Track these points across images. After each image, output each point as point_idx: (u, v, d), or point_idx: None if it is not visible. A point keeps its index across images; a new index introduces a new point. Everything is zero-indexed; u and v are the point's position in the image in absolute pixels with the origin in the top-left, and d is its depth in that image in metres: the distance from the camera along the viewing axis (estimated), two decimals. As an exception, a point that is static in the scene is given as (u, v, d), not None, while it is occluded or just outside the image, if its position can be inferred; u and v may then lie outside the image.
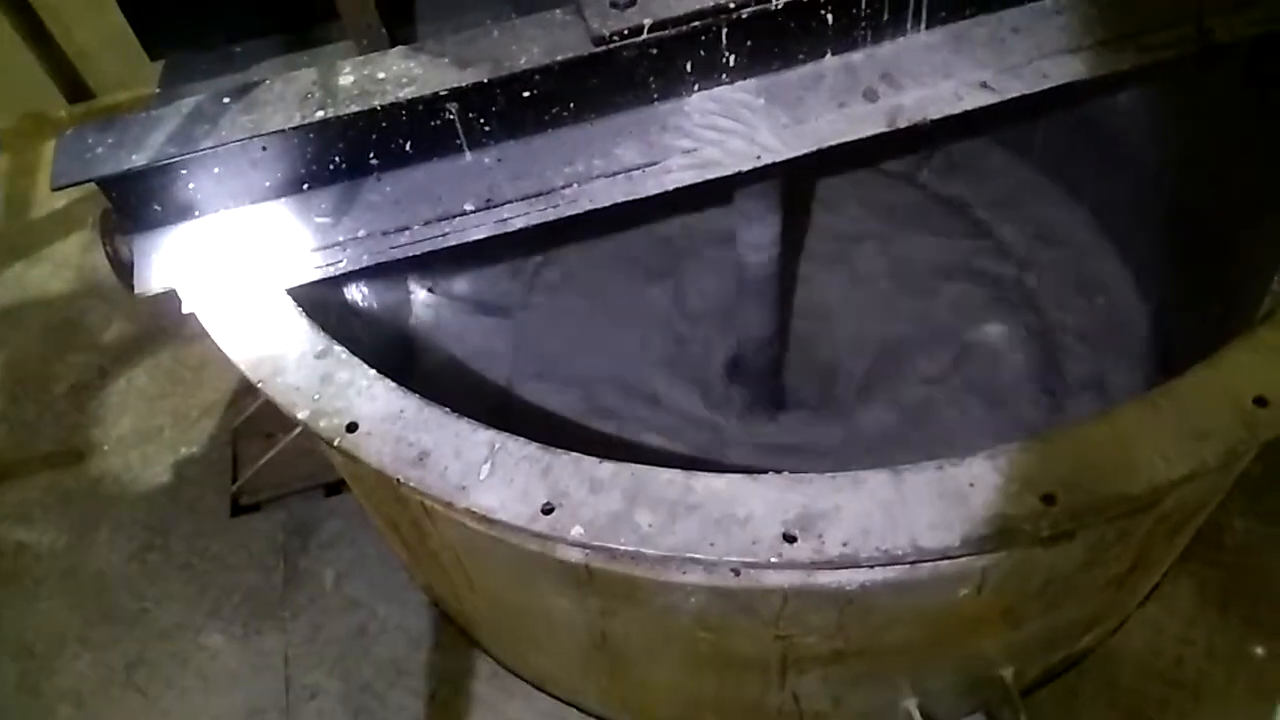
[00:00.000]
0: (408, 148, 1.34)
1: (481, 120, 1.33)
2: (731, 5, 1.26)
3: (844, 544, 1.04)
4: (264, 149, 1.30)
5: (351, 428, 1.19)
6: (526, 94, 1.31)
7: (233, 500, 2.24)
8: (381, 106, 1.28)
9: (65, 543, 2.22)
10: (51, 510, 2.28)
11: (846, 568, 1.09)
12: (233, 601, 2.09)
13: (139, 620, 2.08)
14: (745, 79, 1.37)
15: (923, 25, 1.38)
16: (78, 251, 2.82)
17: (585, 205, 1.33)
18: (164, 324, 2.56)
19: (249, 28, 1.68)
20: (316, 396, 1.22)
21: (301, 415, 1.21)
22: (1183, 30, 1.39)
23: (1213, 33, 1.39)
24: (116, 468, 2.34)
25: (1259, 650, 1.83)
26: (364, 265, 1.33)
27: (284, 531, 2.18)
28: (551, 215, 1.33)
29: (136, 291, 1.33)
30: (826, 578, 1.14)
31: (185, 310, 1.34)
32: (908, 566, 1.12)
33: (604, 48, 1.27)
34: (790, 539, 1.05)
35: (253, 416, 2.31)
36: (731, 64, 1.34)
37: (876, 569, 1.12)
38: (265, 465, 2.21)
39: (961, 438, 1.93)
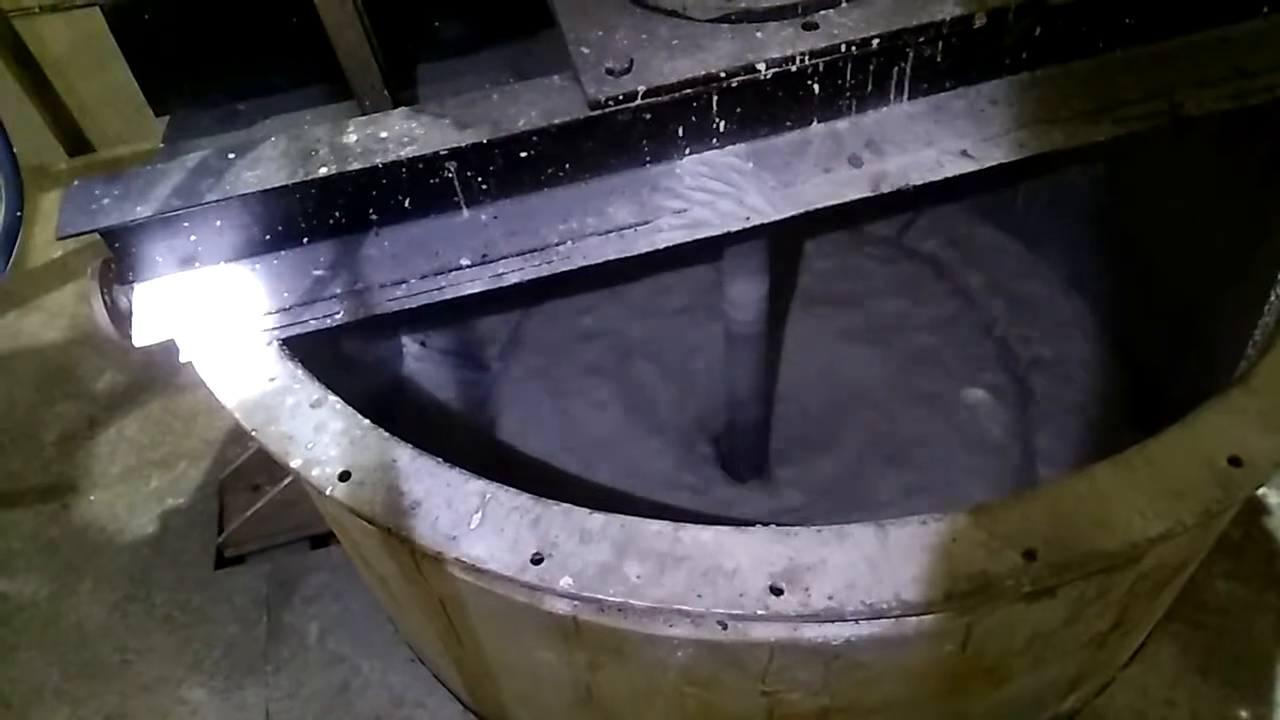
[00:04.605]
0: (407, 204, 1.37)
1: (479, 179, 1.37)
2: (722, 74, 1.31)
3: (830, 597, 1.06)
4: (266, 203, 1.33)
5: (344, 477, 1.20)
6: (523, 154, 1.35)
7: (217, 552, 2.23)
8: (383, 164, 1.31)
9: (47, 593, 2.20)
10: (35, 559, 2.27)
11: (832, 621, 1.10)
12: (214, 655, 2.07)
13: (119, 673, 2.06)
14: (735, 144, 1.41)
15: (905, 96, 1.43)
16: (72, 301, 2.84)
17: (578, 262, 1.36)
18: (155, 374, 2.58)
19: (254, 86, 1.73)
20: (310, 445, 1.24)
21: (294, 464, 1.23)
22: (1155, 104, 1.45)
23: (1184, 107, 1.44)
24: (102, 517, 2.33)
25: (1243, 714, 1.83)
26: (360, 317, 1.35)
27: (268, 584, 2.17)
28: (545, 271, 1.36)
29: (135, 341, 1.35)
30: (812, 632, 1.15)
31: (183, 359, 1.35)
32: (892, 621, 1.13)
33: (599, 112, 1.31)
34: (777, 591, 1.06)
35: (240, 468, 2.31)
36: (722, 129, 1.39)
37: (862, 623, 1.13)
38: (251, 517, 2.20)
39: (942, 496, 1.95)
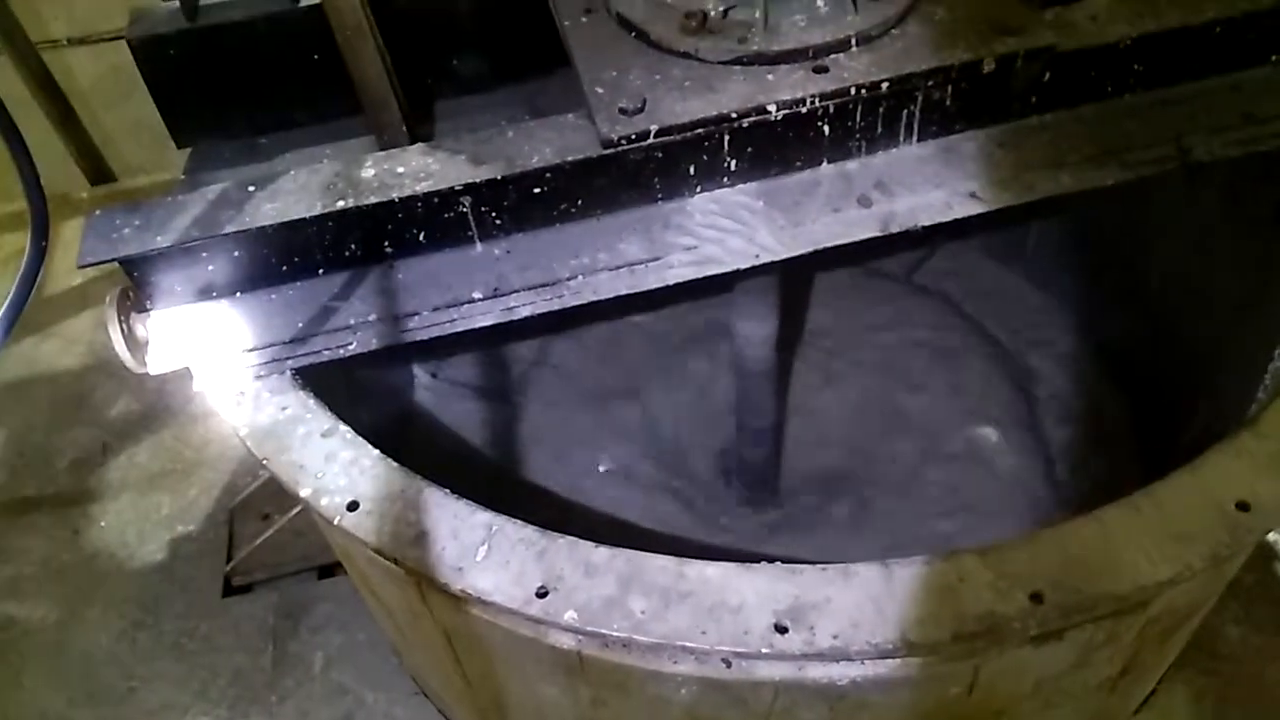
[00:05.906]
0: (421, 238, 1.39)
1: (493, 214, 1.38)
2: (733, 115, 1.33)
3: (834, 636, 1.05)
4: (284, 235, 1.35)
5: (352, 506, 1.21)
6: (537, 191, 1.37)
7: (226, 580, 2.24)
8: (399, 199, 1.33)
9: (55, 618, 2.21)
10: (44, 585, 2.28)
11: (837, 660, 1.09)
12: (220, 683, 2.07)
13: (125, 700, 2.06)
14: (745, 183, 1.43)
15: (914, 138, 1.45)
16: (90, 329, 2.87)
17: (589, 296, 1.37)
18: (169, 402, 2.60)
19: (275, 120, 1.76)
20: (320, 474, 1.25)
21: (304, 493, 1.24)
22: (1164, 149, 1.45)
23: (1192, 153, 1.45)
24: (112, 544, 2.34)
25: (1256, 763, 1.81)
26: (372, 348, 1.37)
27: (275, 614, 2.17)
28: (556, 305, 1.37)
29: (150, 369, 1.37)
30: (817, 671, 1.14)
31: (196, 388, 1.37)
32: (898, 662, 1.12)
33: (612, 150, 1.33)
34: (781, 629, 1.06)
35: (250, 497, 2.33)
36: (733, 168, 1.41)
37: (867, 663, 1.12)
38: (260, 546, 2.21)
39: (950, 536, 1.94)
